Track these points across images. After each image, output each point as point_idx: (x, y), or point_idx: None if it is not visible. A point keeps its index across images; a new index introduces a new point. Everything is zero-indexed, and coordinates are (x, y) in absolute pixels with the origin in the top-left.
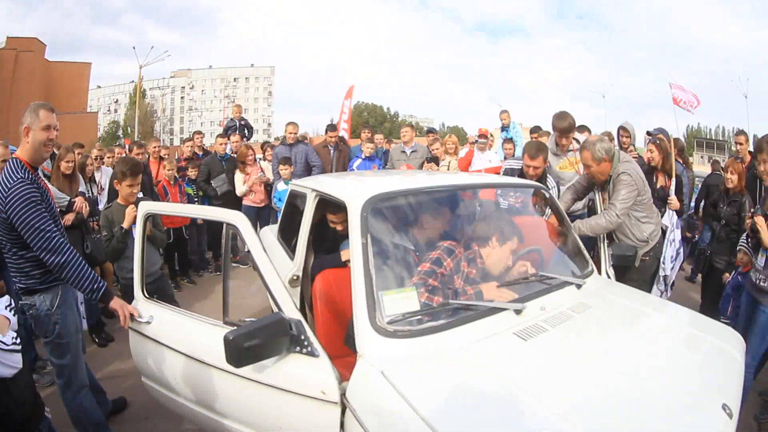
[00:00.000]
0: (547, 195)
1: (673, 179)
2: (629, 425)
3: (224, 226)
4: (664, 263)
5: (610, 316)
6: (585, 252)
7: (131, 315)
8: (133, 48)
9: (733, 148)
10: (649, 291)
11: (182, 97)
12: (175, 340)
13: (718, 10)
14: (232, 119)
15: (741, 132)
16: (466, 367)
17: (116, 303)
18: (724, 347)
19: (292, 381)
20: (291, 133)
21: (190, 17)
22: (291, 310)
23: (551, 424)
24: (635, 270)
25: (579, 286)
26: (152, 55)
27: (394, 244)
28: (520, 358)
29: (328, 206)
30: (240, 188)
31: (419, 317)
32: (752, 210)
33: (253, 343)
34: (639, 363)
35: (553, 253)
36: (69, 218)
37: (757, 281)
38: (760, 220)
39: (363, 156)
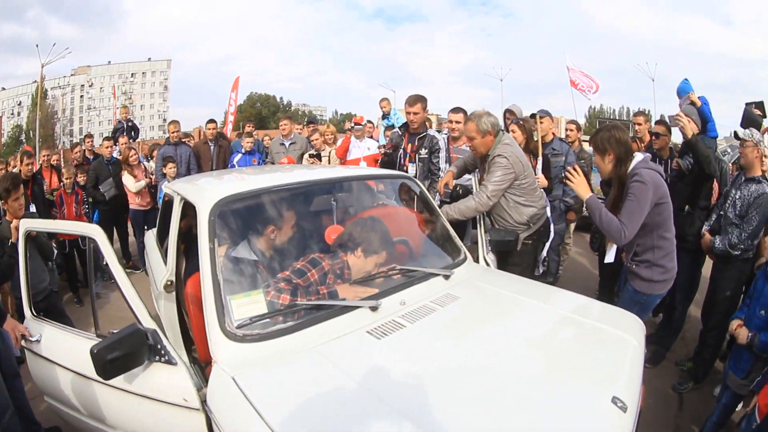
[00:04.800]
0: (414, 184)
1: (540, 158)
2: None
3: (87, 239)
4: None
5: (480, 307)
6: (456, 240)
7: (23, 335)
8: (36, 46)
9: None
10: (532, 275)
11: (81, 96)
12: (61, 356)
13: None
14: (120, 121)
15: (640, 113)
16: (314, 369)
17: (8, 324)
18: (616, 334)
19: (158, 390)
20: (174, 132)
21: (91, 10)
22: (147, 320)
23: (400, 428)
24: (517, 254)
25: (447, 277)
26: (54, 52)
27: (245, 248)
28: (371, 359)
29: (190, 209)
30: (134, 186)
31: (270, 320)
32: None
33: (115, 355)
34: (510, 358)
35: (423, 243)
36: None
37: (626, 262)
38: None
39: (243, 151)
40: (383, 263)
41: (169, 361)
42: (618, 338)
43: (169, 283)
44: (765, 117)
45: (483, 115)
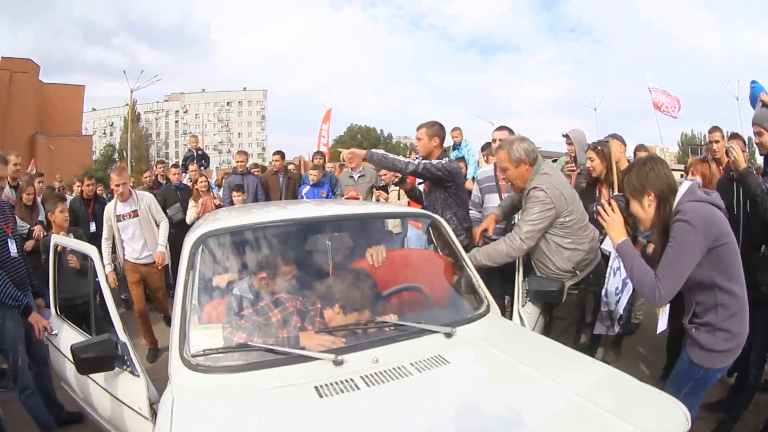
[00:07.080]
0: (442, 226)
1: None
2: None
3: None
4: (606, 297)
5: (469, 378)
6: (481, 289)
7: (45, 328)
8: (124, 72)
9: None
10: (580, 330)
11: (176, 121)
12: (66, 349)
13: (705, 15)
14: (189, 150)
15: (715, 128)
16: (237, 415)
17: (32, 318)
18: None
19: (124, 394)
20: (240, 162)
21: (181, 40)
22: (121, 334)
23: None
24: (562, 307)
25: (449, 335)
26: (143, 78)
27: (220, 283)
28: (298, 418)
29: None
30: (190, 215)
31: (222, 355)
32: None
33: (89, 356)
34: None
35: (438, 291)
36: (29, 245)
37: (685, 324)
38: None
39: (310, 183)
40: (367, 317)
41: (133, 372)
42: None
43: None
44: None
45: (515, 141)
